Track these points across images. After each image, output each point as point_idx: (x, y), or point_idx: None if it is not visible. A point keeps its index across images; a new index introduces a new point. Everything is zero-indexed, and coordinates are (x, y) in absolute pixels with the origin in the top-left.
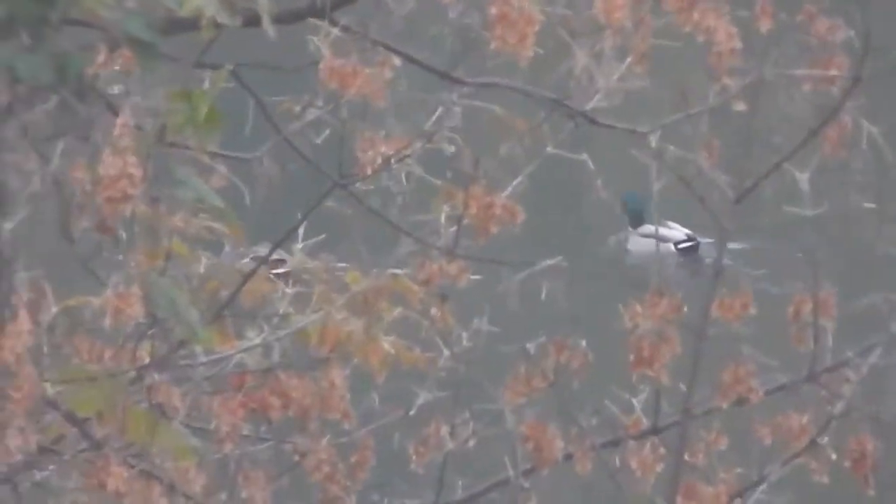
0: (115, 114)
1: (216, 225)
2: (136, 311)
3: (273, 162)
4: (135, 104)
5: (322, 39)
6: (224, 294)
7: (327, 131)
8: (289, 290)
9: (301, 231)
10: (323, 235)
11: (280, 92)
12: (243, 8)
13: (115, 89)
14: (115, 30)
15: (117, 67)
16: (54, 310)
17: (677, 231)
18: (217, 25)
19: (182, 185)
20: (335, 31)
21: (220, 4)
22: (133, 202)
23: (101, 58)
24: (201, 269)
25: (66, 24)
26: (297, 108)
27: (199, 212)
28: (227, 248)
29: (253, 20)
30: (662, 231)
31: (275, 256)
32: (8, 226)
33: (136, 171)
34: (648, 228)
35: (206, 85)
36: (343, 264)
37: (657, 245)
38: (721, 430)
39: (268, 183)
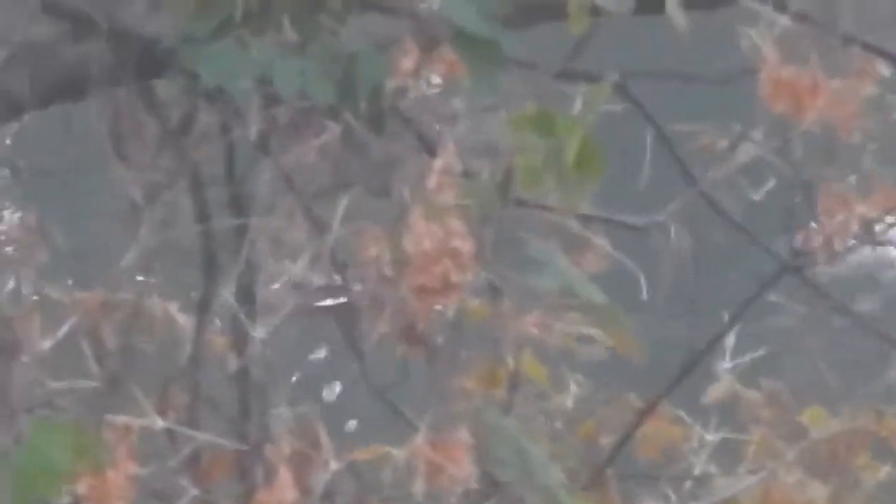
0: (431, 152)
1: (593, 331)
2: (464, 469)
3: (684, 229)
4: (461, 137)
5: (762, 34)
6: (607, 442)
7: (772, 180)
8: (710, 437)
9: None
10: (761, 350)
11: (692, 117)
12: None
13: (430, 113)
14: (433, 20)
15: (434, 79)
16: (334, 466)
17: None
18: (595, 12)
19: (540, 269)
20: (783, 19)
21: None
22: (459, 294)
23: (408, 63)
24: (569, 402)
25: (355, 11)
26: (723, 143)
27: (567, 309)
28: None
29: (649, 3)
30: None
31: None
32: (261, 333)
33: (465, 246)
34: None
35: (578, 106)
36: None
37: None
38: None
39: (675, 261)
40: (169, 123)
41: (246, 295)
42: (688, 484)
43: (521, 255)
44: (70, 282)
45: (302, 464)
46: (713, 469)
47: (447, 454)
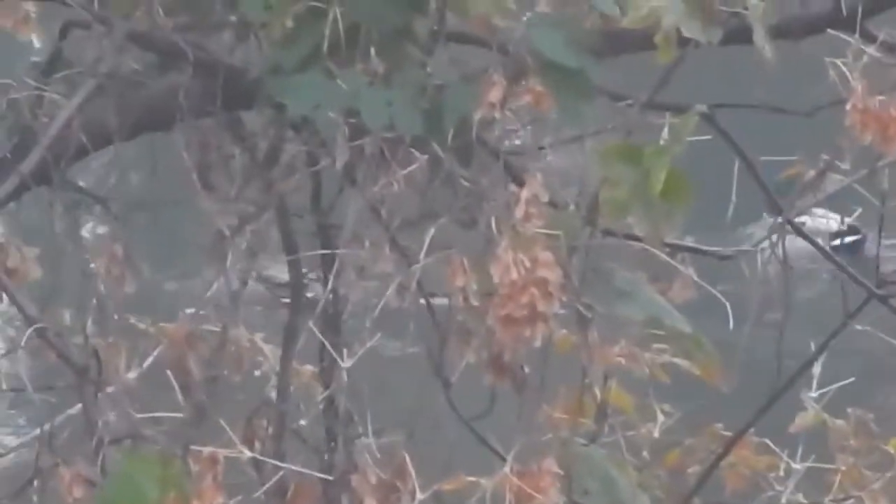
0: (518, 183)
1: (682, 361)
2: (551, 499)
3: (774, 259)
4: (548, 169)
5: (849, 64)
6: (693, 471)
7: (858, 210)
8: (796, 466)
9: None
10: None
11: (779, 147)
12: (724, 17)
13: (517, 144)
14: (520, 49)
15: (521, 109)
16: (420, 496)
17: (831, 220)
18: (683, 43)
19: (626, 299)
20: (871, 50)
21: (687, 10)
22: (546, 324)
23: (495, 94)
24: (656, 432)
25: (442, 42)
26: (810, 173)
27: (653, 339)
28: None
29: (736, 34)
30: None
31: None
32: (347, 363)
33: (552, 276)
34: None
35: (665, 136)
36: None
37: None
38: None
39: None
40: (256, 154)
41: (333, 325)
42: None
43: (607, 284)
44: (156, 312)
45: (388, 494)
46: (800, 498)
47: (534, 484)
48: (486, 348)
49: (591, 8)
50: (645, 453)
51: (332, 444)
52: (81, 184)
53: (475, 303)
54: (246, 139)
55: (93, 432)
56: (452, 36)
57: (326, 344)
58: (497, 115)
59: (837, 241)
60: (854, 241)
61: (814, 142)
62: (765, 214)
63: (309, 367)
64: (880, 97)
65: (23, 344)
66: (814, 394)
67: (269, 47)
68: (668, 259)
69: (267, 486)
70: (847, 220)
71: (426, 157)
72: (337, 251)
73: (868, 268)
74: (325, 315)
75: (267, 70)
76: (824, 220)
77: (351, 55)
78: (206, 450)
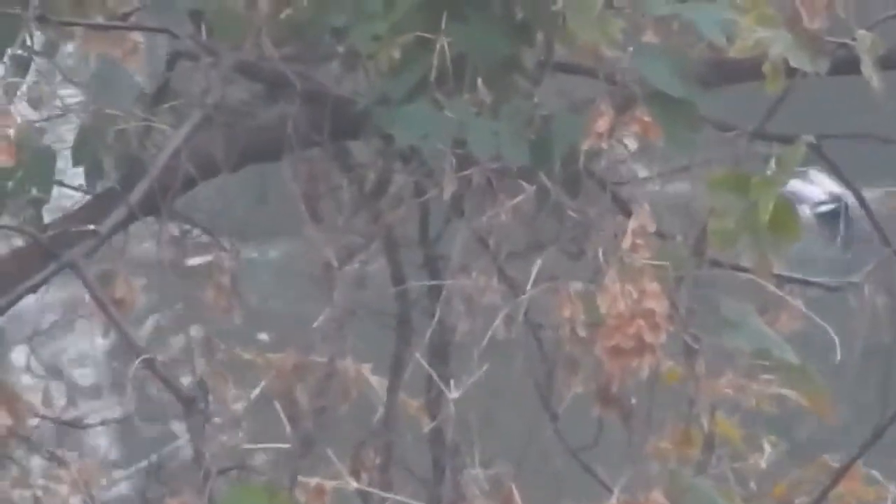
0: (625, 213)
1: (790, 392)
2: None
3: (882, 290)
4: (655, 199)
5: None
6: (801, 503)
7: None
8: None
9: None
10: None
11: (887, 177)
12: (831, 47)
13: (625, 175)
14: (628, 79)
15: (628, 139)
16: None
17: (817, 187)
18: (790, 73)
19: (734, 330)
20: None
21: (795, 40)
22: (654, 356)
23: (602, 124)
24: (763, 463)
25: (549, 71)
26: None
27: (761, 370)
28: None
29: (844, 65)
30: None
31: None
32: (455, 394)
33: (660, 307)
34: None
35: (771, 167)
36: None
37: None
38: None
39: (870, 323)
40: (363, 185)
41: (440, 356)
42: None
43: (715, 315)
44: (264, 342)
45: None
46: None
47: None
48: (594, 379)
49: (698, 38)
50: (752, 485)
51: (440, 475)
52: (189, 214)
53: (583, 333)
54: (353, 170)
55: (200, 463)
56: (559, 66)
57: (434, 375)
58: (604, 145)
59: (822, 209)
60: (833, 210)
61: None
62: None
63: (416, 398)
64: None
65: (130, 375)
66: None
67: (377, 78)
68: (775, 290)
69: None
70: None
71: (533, 187)
72: (444, 282)
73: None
74: (432, 346)
75: (374, 100)
76: (814, 189)
77: (458, 85)
78: (314, 481)
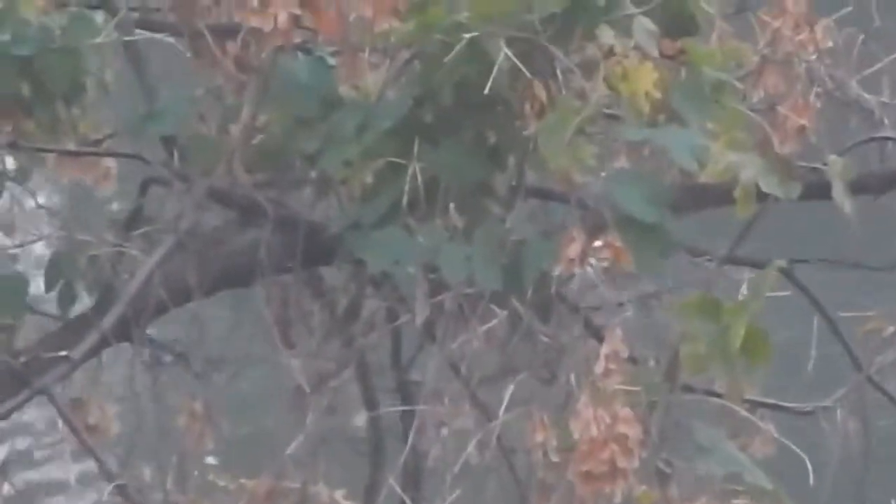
0: (598, 339)
1: None
2: None
3: (854, 415)
4: (627, 324)
5: None
6: None
7: None
8: None
9: None
10: None
11: (858, 302)
12: (802, 172)
13: (596, 300)
14: (599, 204)
15: (598, 262)
16: None
17: None
18: (761, 197)
19: (706, 454)
20: None
21: (766, 165)
22: (626, 480)
23: (574, 249)
24: None
25: (521, 196)
26: (890, 328)
27: (735, 496)
28: None
29: (815, 190)
30: None
31: None
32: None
33: (632, 432)
34: None
35: (744, 292)
36: None
37: None
38: None
39: (843, 448)
40: (336, 310)
41: (414, 481)
42: None
43: (687, 440)
44: (237, 469)
45: None
46: None
47: None
48: (568, 502)
49: (669, 163)
50: None
51: None
52: (161, 340)
53: (556, 458)
54: (326, 295)
55: None
56: (531, 191)
57: (407, 500)
58: (576, 270)
59: None
60: None
61: (894, 297)
62: None
63: None
64: None
65: (103, 501)
66: None
67: (349, 203)
68: (747, 415)
69: None
70: None
71: (505, 312)
72: (417, 407)
73: None
74: (405, 471)
75: (346, 226)
76: None
77: (430, 210)
78: None
